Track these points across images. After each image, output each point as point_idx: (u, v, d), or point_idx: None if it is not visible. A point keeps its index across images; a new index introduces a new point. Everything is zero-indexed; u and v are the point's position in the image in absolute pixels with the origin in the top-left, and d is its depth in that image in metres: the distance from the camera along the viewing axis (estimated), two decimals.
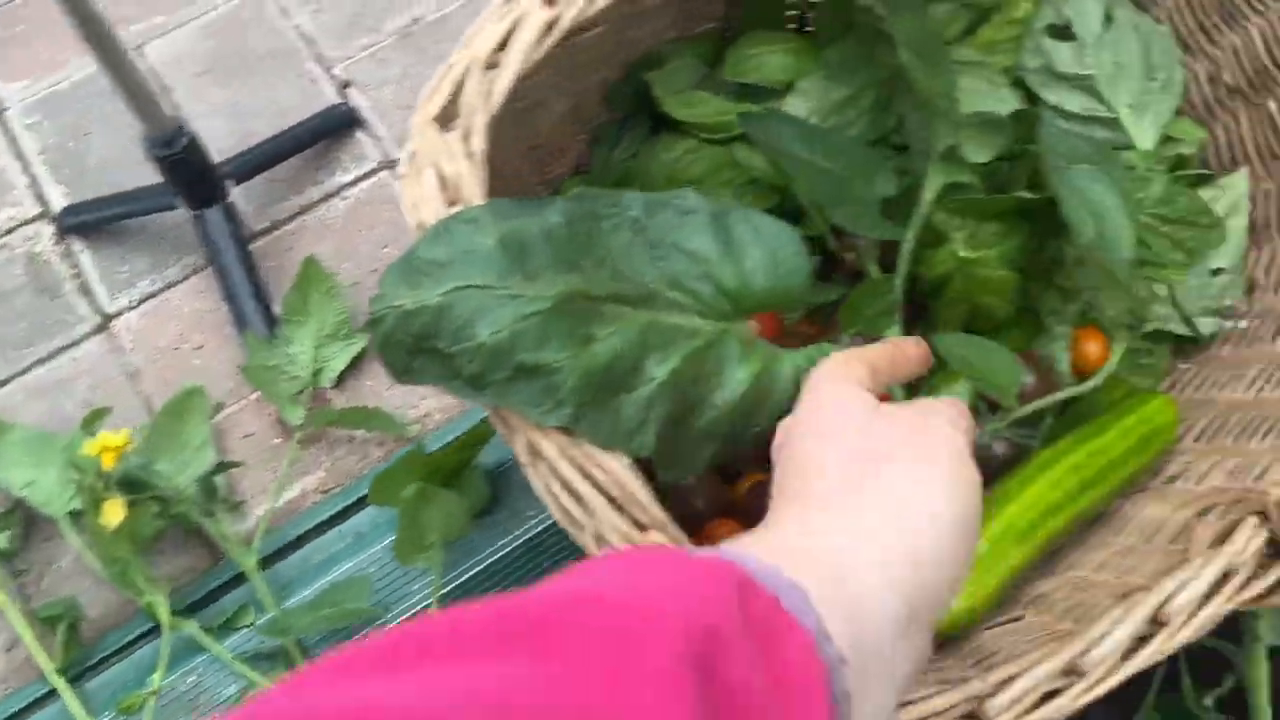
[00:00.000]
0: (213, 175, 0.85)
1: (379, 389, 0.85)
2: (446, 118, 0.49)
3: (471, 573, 0.75)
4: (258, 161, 0.90)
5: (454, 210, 0.47)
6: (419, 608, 0.74)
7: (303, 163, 0.95)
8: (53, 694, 0.73)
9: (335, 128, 0.96)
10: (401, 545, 0.70)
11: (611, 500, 0.47)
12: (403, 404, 0.84)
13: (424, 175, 0.48)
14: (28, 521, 0.80)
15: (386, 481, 0.71)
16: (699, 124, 0.64)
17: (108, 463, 0.68)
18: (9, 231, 0.94)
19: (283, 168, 0.94)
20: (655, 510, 0.47)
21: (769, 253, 0.49)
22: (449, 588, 0.74)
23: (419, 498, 0.68)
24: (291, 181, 0.95)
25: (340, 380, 0.85)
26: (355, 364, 0.85)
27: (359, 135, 0.97)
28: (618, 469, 0.46)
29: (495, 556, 0.76)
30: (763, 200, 0.64)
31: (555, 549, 0.76)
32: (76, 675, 0.74)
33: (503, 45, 0.49)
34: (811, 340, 0.53)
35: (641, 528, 0.47)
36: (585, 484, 0.47)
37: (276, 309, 0.87)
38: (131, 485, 0.72)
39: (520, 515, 0.77)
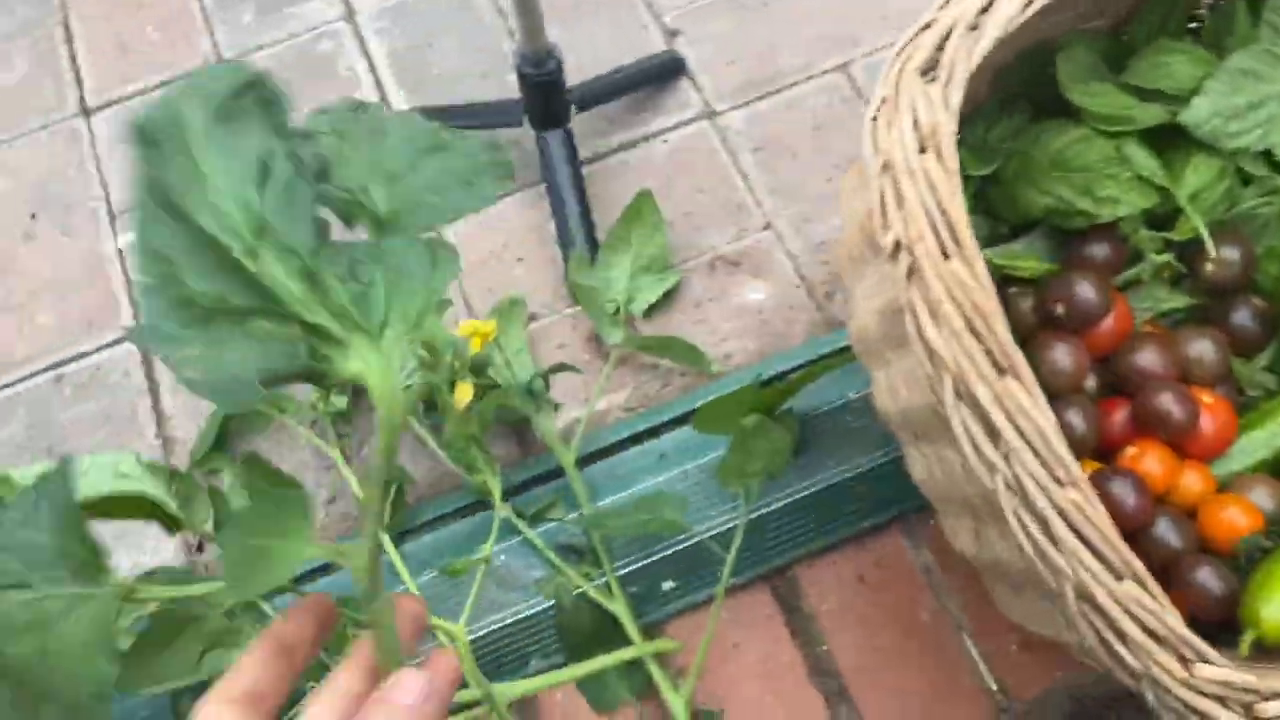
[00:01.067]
0: (563, 100, 0.90)
1: (685, 325, 0.89)
2: (926, 69, 0.52)
3: (771, 507, 0.79)
4: (598, 94, 0.95)
5: (924, 158, 0.50)
6: (720, 530, 0.78)
7: (629, 102, 1.00)
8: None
9: (663, 73, 1.00)
10: (726, 469, 0.75)
11: (1034, 451, 0.49)
12: (705, 343, 0.88)
13: (901, 120, 0.51)
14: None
15: (715, 409, 0.75)
16: (1099, 114, 0.65)
17: (475, 346, 0.74)
18: None
19: (611, 105, 0.99)
20: (1075, 469, 0.49)
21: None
22: (752, 516, 0.78)
23: (755, 428, 0.72)
24: (616, 119, 1.00)
25: (649, 311, 0.89)
26: (665, 298, 0.90)
27: (683, 83, 1.01)
28: (1045, 424, 0.49)
29: (794, 497, 0.79)
30: (1146, 198, 0.65)
31: (853, 497, 0.79)
32: (396, 537, 0.80)
33: (984, 10, 0.52)
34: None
35: (1059, 483, 0.50)
36: (1011, 430, 0.50)
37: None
38: (477, 372, 0.78)
39: (823, 462, 0.80)
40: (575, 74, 1.00)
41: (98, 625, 0.43)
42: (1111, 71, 0.69)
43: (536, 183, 0.96)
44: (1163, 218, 0.68)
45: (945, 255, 0.50)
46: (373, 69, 1.04)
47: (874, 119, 0.53)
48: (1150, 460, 0.65)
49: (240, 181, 0.40)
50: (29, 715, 0.47)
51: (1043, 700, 0.75)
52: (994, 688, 0.75)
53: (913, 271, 0.51)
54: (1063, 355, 0.65)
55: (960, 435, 0.51)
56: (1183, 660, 0.50)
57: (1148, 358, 0.67)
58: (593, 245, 0.91)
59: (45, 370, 0.91)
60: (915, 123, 0.51)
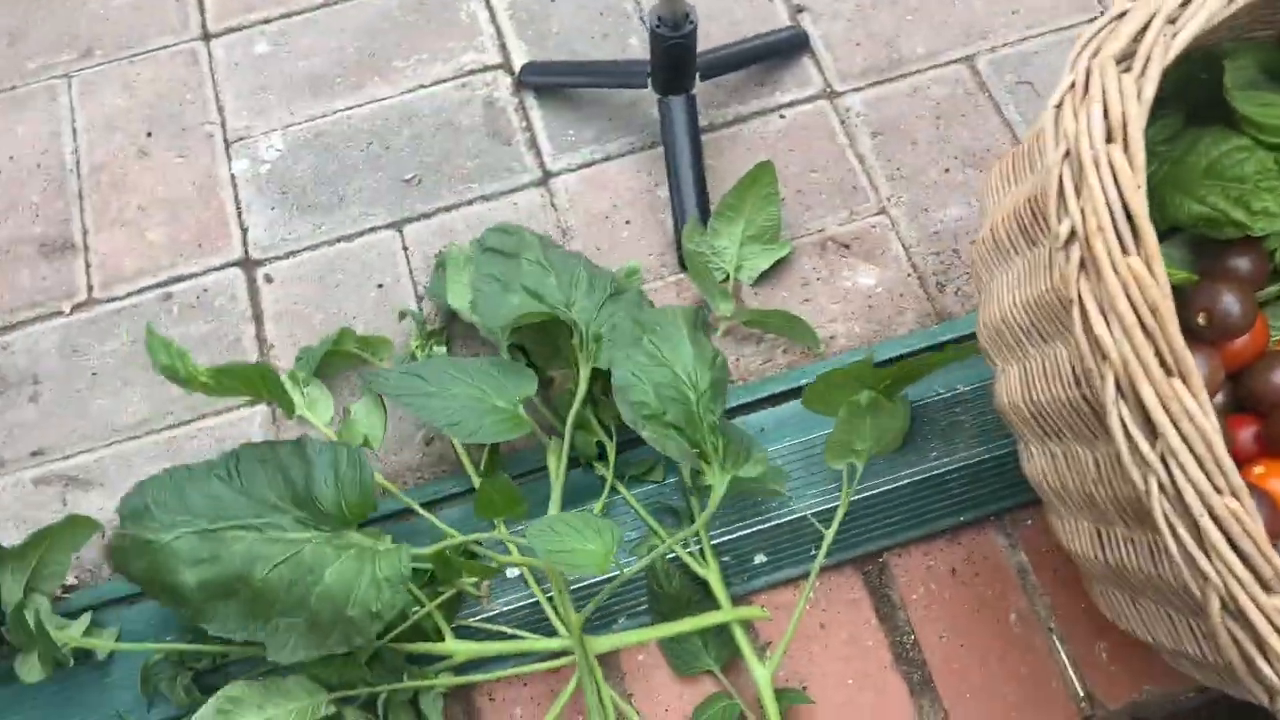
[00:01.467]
0: (691, 66, 0.89)
1: (791, 303, 0.89)
2: (1121, 58, 0.51)
3: (868, 492, 0.79)
4: (722, 64, 0.95)
5: (1111, 148, 0.50)
6: (817, 510, 0.78)
7: (750, 75, 0.99)
8: (469, 492, 0.81)
9: (786, 49, 1.00)
10: (833, 445, 0.74)
11: (1195, 456, 0.49)
12: (812, 322, 0.87)
13: (1091, 108, 0.50)
14: (455, 338, 0.88)
15: (827, 384, 0.74)
16: (1264, 124, 0.64)
17: None
18: (471, 73, 1.01)
19: (731, 75, 0.98)
20: (1236, 477, 0.49)
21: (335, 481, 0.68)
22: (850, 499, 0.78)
23: (869, 404, 0.72)
24: (735, 90, 0.99)
25: (758, 281, 0.89)
26: (774, 269, 0.89)
27: (805, 61, 1.00)
28: (1209, 429, 0.48)
29: (893, 484, 0.79)
30: None
31: (953, 491, 0.79)
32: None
33: (1185, 2, 0.51)
34: None
35: (1218, 490, 0.49)
36: (1173, 432, 0.49)
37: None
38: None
39: (925, 452, 0.80)
40: (700, 43, 1.00)
41: (364, 569, 0.66)
42: (1273, 83, 0.68)
43: (649, 147, 0.96)
44: None
45: (1124, 250, 0.49)
46: (493, 19, 1.04)
47: (1058, 105, 0.52)
48: (1277, 480, 0.64)
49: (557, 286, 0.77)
50: (320, 638, 0.58)
51: (1129, 713, 0.74)
52: (1080, 694, 0.75)
53: (1086, 263, 0.50)
54: (1200, 365, 0.64)
55: (1117, 432, 0.50)
56: None
57: None
58: (704, 214, 0.90)
59: (154, 287, 0.92)
60: (1105, 111, 0.50)
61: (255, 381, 0.75)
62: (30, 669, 0.71)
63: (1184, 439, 0.49)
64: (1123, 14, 0.52)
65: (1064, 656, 0.76)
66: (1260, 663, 0.50)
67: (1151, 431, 0.49)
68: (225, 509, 0.68)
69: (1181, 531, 0.50)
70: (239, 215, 0.95)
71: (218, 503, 0.69)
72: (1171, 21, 0.51)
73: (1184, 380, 0.49)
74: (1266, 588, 0.49)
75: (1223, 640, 0.50)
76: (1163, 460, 0.49)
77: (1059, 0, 1.01)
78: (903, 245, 0.90)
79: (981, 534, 0.79)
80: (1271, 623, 0.49)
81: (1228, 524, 0.48)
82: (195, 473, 0.69)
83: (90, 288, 0.92)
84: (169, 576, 0.67)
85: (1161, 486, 0.50)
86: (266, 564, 0.67)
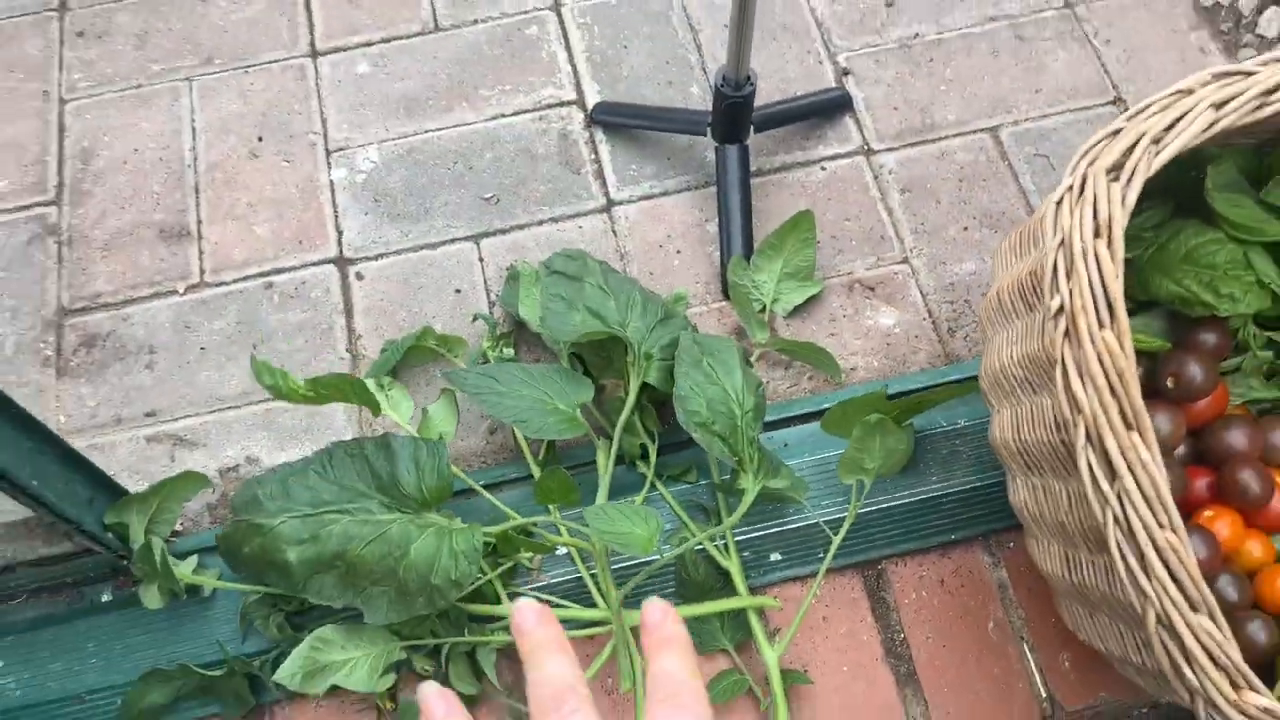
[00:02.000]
0: (748, 120, 1.01)
1: (818, 336, 1.01)
2: (1111, 169, 0.63)
3: (874, 507, 0.91)
4: (775, 119, 1.07)
5: (1097, 243, 0.61)
6: (828, 519, 0.90)
7: (797, 129, 1.11)
8: (527, 478, 0.93)
9: (831, 108, 1.12)
10: (846, 462, 0.86)
11: (1144, 496, 0.60)
12: (836, 354, 0.99)
13: (1084, 209, 0.62)
14: (520, 341, 1.00)
15: (845, 410, 0.86)
16: (1235, 223, 0.76)
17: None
18: (550, 107, 1.13)
19: (781, 129, 1.10)
20: (1176, 517, 0.60)
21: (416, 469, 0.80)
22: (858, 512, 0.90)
23: (878, 426, 0.83)
24: (783, 141, 1.11)
25: (791, 314, 1.01)
26: (806, 304, 1.01)
27: (846, 119, 1.12)
28: (1158, 476, 0.60)
29: (895, 502, 0.91)
30: (1262, 301, 0.76)
31: (947, 512, 0.90)
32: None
33: (1169, 128, 0.63)
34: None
35: (1161, 526, 0.61)
36: (1129, 476, 0.61)
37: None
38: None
39: (926, 476, 0.91)
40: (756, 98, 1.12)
41: (443, 544, 0.78)
42: (1251, 185, 0.79)
43: (703, 186, 1.08)
44: (1271, 319, 0.79)
45: (1101, 325, 0.61)
46: (571, 59, 1.16)
47: (1058, 202, 0.64)
48: (1222, 524, 0.76)
49: (615, 308, 0.90)
50: (409, 603, 0.71)
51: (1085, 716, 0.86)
52: (1044, 695, 0.86)
53: (1070, 333, 0.62)
54: (1164, 422, 0.75)
55: (1084, 472, 0.62)
56: (1235, 686, 0.61)
57: (1237, 437, 0.77)
58: (748, 250, 1.02)
59: (258, 276, 1.04)
60: (1095, 212, 0.62)
61: (347, 390, 0.87)
62: (151, 597, 0.83)
63: (1137, 482, 0.60)
64: (1117, 131, 0.64)
65: (1032, 663, 0.87)
66: (1185, 668, 0.61)
67: (1111, 474, 0.61)
68: (322, 497, 0.80)
69: (1130, 557, 0.61)
70: (336, 218, 1.07)
71: (315, 492, 0.80)
72: (1155, 142, 0.63)
73: (1141, 435, 0.60)
74: (1194, 608, 0.60)
75: (1157, 649, 0.62)
76: (1119, 498, 0.61)
77: (1078, 84, 1.13)
78: (921, 292, 1.02)
79: (969, 551, 0.91)
80: (1195, 636, 0.60)
81: (1166, 554, 0.60)
82: (295, 469, 0.81)
83: (202, 272, 1.04)
84: (276, 555, 0.78)
85: (1116, 519, 0.62)
86: (360, 542, 0.78)
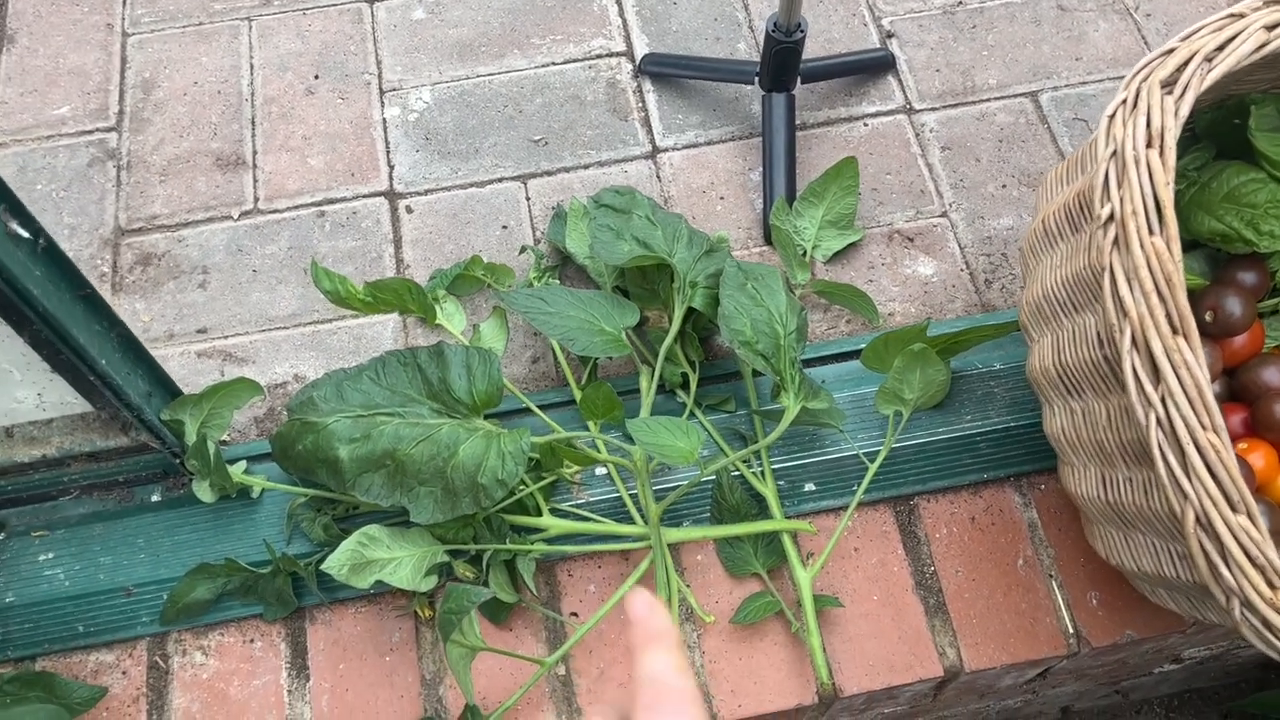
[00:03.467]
0: (796, 68, 1.04)
1: (858, 279, 1.02)
2: (1166, 83, 0.65)
3: (908, 443, 0.92)
4: (821, 72, 1.09)
5: (1149, 152, 0.63)
6: (867, 450, 0.91)
7: (842, 85, 1.14)
8: (569, 403, 0.95)
9: (875, 67, 1.14)
10: (884, 393, 0.88)
11: (1188, 398, 0.62)
12: (874, 299, 1.01)
13: (1137, 119, 0.64)
14: (564, 276, 1.02)
15: (884, 343, 0.88)
16: (1277, 161, 0.78)
17: None
18: (599, 57, 1.16)
19: (825, 84, 1.13)
20: (1219, 417, 0.62)
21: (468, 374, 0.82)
22: (892, 446, 0.91)
23: (920, 355, 0.85)
24: (827, 96, 1.13)
25: (831, 260, 1.03)
26: (846, 251, 1.03)
27: (889, 78, 1.15)
28: (1201, 379, 0.62)
29: (930, 438, 0.92)
30: None
31: (980, 451, 0.92)
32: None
33: (1220, 47, 0.65)
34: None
35: (1204, 427, 0.62)
36: (1173, 377, 0.62)
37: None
38: None
39: (961, 415, 0.93)
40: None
41: (491, 446, 0.80)
42: None
43: (748, 136, 1.10)
44: None
45: (1151, 231, 0.63)
46: (621, 13, 1.19)
47: (1111, 115, 0.66)
48: (1257, 456, 0.77)
49: (662, 239, 0.93)
50: (455, 502, 0.73)
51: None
52: (1071, 631, 0.87)
53: (1119, 240, 0.64)
54: (1204, 356, 0.77)
55: (1129, 376, 0.64)
56: (1271, 586, 0.62)
57: (1272, 374, 0.79)
58: (791, 197, 1.04)
59: (311, 205, 1.06)
60: (1148, 122, 0.64)
61: (404, 297, 0.90)
62: (204, 490, 0.85)
63: (1181, 384, 0.62)
64: (1171, 50, 0.66)
65: (1060, 600, 0.88)
66: (1223, 568, 0.63)
67: (1156, 377, 0.63)
68: (374, 401, 0.82)
69: (1171, 459, 0.63)
70: (388, 154, 1.10)
71: (368, 396, 0.82)
72: (1208, 60, 0.65)
73: (1186, 338, 0.62)
74: (1234, 507, 0.62)
75: (1195, 551, 0.63)
76: (1163, 401, 0.63)
77: (1117, 52, 1.15)
78: (959, 244, 1.04)
79: (1001, 491, 0.92)
80: (1234, 535, 0.62)
81: (1208, 453, 0.62)
82: (350, 374, 0.83)
83: (256, 199, 1.07)
84: (328, 453, 0.80)
85: (1159, 421, 0.63)
86: (410, 442, 0.80)
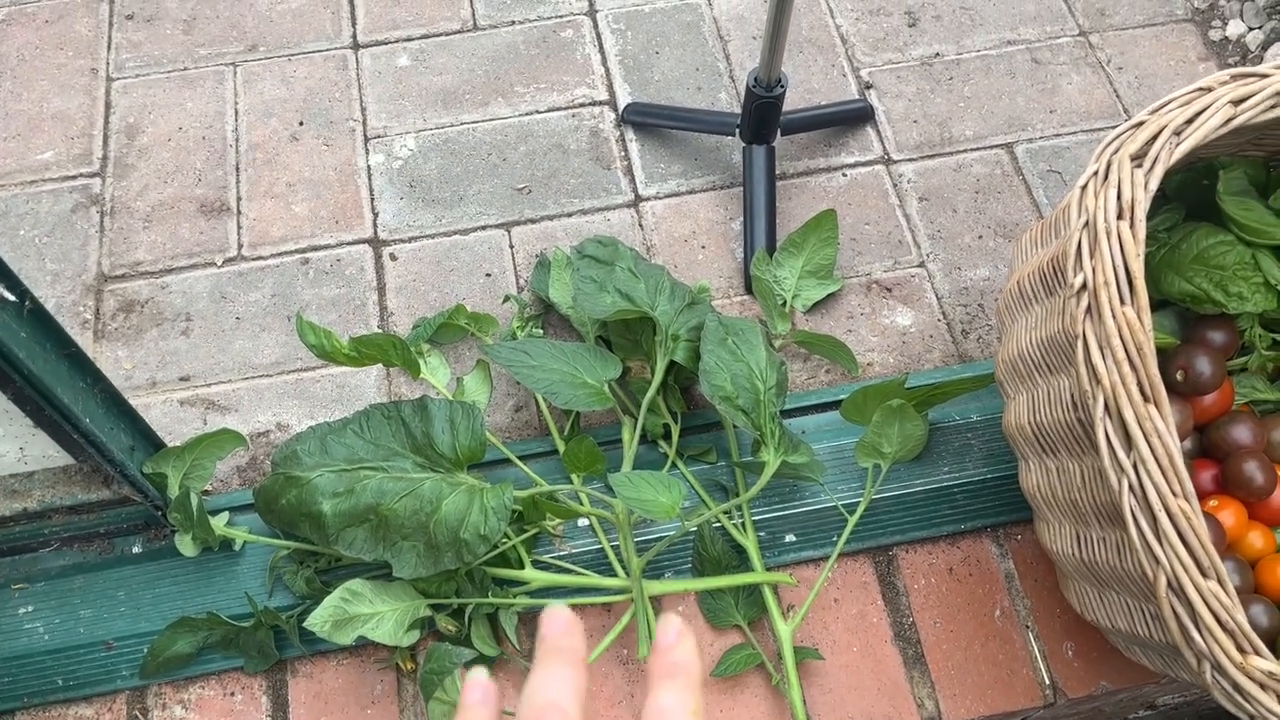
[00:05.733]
0: (776, 122, 1.05)
1: (837, 329, 1.04)
2: (1136, 156, 0.67)
3: (887, 494, 0.93)
4: (801, 124, 1.11)
5: (1120, 223, 0.65)
6: (843, 503, 0.92)
7: (820, 136, 1.15)
8: (551, 453, 0.95)
9: (854, 118, 1.16)
10: (864, 446, 0.89)
11: (1159, 465, 0.63)
12: (853, 349, 1.02)
13: (1109, 191, 0.66)
14: (548, 325, 1.03)
15: (863, 397, 0.89)
16: (1244, 225, 0.80)
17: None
18: (582, 106, 1.18)
19: (805, 135, 1.14)
20: (1189, 485, 0.63)
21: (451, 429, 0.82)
22: (871, 498, 0.93)
23: (899, 411, 0.86)
24: (807, 147, 1.15)
25: (810, 309, 1.04)
26: (825, 301, 1.04)
27: (868, 129, 1.17)
28: (1172, 446, 0.63)
29: (908, 490, 0.93)
30: (1269, 302, 0.79)
31: (959, 501, 0.93)
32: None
33: (1189, 121, 0.67)
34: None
35: (1174, 493, 0.64)
36: (1145, 445, 0.64)
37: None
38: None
39: (939, 467, 0.94)
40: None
41: (474, 501, 0.80)
42: (1260, 195, 0.83)
43: (729, 186, 1.12)
44: (1276, 321, 0.83)
45: (1122, 301, 0.64)
46: (604, 62, 1.21)
47: (1083, 186, 0.68)
48: (1227, 514, 0.79)
49: (645, 291, 0.93)
50: (437, 557, 0.74)
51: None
52: (1047, 682, 0.88)
53: (1091, 309, 0.66)
54: (1174, 413, 0.78)
55: (1101, 443, 0.65)
56: (1241, 650, 0.63)
57: (1242, 431, 0.81)
58: (771, 247, 1.06)
59: (295, 252, 1.07)
60: (1119, 194, 0.65)
61: (389, 352, 0.90)
62: (187, 544, 0.85)
63: (1152, 451, 0.63)
64: (1140, 123, 0.68)
65: (1036, 650, 0.90)
66: (1194, 632, 0.64)
67: (1128, 443, 0.64)
68: (358, 455, 0.82)
69: (1143, 524, 0.64)
70: (372, 201, 1.11)
71: (352, 450, 0.82)
72: (1177, 133, 0.67)
73: (1157, 406, 0.64)
74: (1204, 573, 0.63)
75: (1167, 614, 0.65)
76: (1134, 467, 0.64)
77: (1091, 106, 1.18)
78: (936, 295, 1.06)
79: (978, 542, 0.94)
80: (1205, 600, 0.63)
81: (1179, 520, 0.63)
82: (334, 427, 0.83)
83: (240, 246, 1.07)
84: (311, 507, 0.80)
85: (1131, 488, 0.65)
86: (393, 497, 0.81)
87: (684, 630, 0.39)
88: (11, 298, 0.66)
